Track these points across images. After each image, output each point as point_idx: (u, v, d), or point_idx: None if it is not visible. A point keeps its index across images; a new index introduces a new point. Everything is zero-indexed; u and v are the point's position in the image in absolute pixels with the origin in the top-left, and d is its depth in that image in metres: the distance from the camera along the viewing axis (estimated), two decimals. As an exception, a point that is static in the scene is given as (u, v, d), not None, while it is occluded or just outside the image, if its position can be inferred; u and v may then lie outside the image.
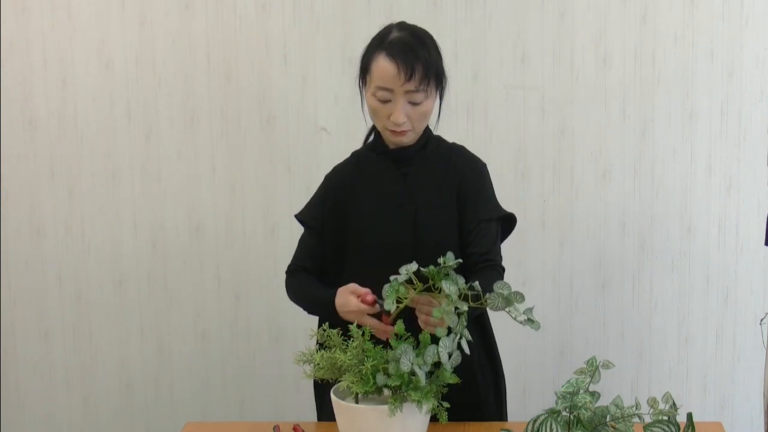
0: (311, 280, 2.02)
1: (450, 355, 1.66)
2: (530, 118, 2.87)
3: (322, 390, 2.00)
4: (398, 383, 1.64)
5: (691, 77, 2.84)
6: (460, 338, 1.67)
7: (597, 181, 2.89)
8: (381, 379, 1.65)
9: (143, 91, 2.89)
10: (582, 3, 2.83)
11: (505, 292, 1.64)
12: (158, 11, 2.85)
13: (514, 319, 1.65)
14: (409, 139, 1.94)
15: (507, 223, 2.05)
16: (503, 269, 1.99)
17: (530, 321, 1.65)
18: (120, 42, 2.87)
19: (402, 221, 1.94)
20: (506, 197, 2.86)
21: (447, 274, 1.68)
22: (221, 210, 2.93)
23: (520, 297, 1.65)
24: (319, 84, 2.87)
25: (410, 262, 1.73)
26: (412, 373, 1.64)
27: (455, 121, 2.83)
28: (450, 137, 2.08)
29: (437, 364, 1.68)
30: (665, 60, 2.84)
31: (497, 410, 2.06)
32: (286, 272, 2.06)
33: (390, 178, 1.97)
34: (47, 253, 2.95)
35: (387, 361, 1.67)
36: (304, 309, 2.02)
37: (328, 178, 2.06)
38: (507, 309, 1.65)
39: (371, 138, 2.04)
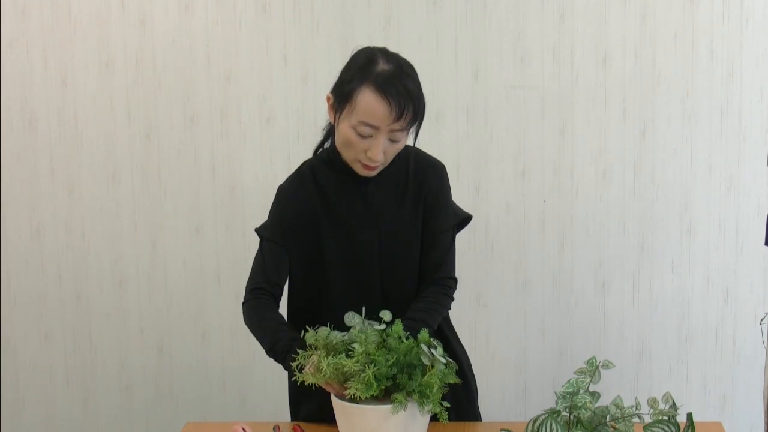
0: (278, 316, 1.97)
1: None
2: (530, 118, 2.87)
3: (299, 391, 1.98)
4: (435, 381, 1.64)
5: (691, 77, 2.84)
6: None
7: (597, 181, 2.89)
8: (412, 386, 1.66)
9: (143, 91, 2.89)
10: (582, 3, 2.83)
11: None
12: (158, 11, 2.85)
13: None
14: (377, 171, 1.86)
15: (463, 220, 2.00)
16: (455, 281, 1.96)
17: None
18: (120, 42, 2.87)
19: (366, 247, 1.90)
20: (506, 197, 2.88)
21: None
22: (221, 209, 2.93)
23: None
24: (319, 84, 2.86)
25: (376, 282, 1.89)
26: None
27: (455, 121, 2.83)
28: (450, 137, 2.08)
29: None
30: (665, 60, 2.84)
31: (470, 410, 2.05)
32: (243, 304, 1.98)
33: (350, 200, 1.91)
34: (47, 253, 2.95)
35: (392, 367, 1.67)
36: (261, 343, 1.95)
37: (285, 196, 1.94)
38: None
39: (325, 149, 1.95)
